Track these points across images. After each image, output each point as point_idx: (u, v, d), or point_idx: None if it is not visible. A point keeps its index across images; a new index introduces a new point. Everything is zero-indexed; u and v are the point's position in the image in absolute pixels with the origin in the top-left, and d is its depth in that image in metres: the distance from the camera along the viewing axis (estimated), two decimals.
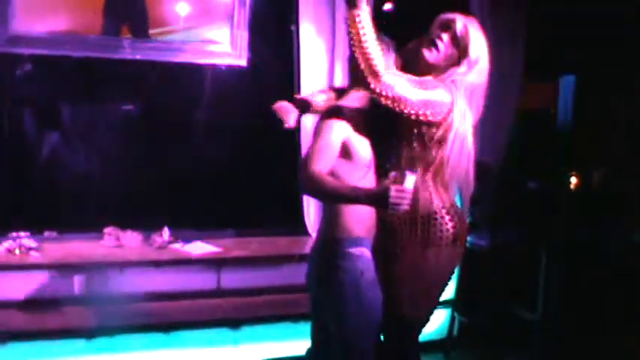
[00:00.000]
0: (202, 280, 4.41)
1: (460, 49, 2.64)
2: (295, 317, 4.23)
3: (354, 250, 2.62)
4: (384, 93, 2.48)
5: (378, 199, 2.42)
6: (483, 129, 4.92)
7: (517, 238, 4.70)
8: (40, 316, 3.97)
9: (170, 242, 4.64)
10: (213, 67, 5.01)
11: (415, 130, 2.61)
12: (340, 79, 4.54)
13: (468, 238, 4.51)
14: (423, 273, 2.71)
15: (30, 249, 4.29)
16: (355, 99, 2.71)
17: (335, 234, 2.64)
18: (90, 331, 3.92)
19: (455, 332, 4.72)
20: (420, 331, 2.89)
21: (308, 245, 4.71)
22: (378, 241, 2.69)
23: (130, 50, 4.74)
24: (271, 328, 4.23)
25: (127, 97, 5.03)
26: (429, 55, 2.65)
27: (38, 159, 4.80)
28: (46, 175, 4.78)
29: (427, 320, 2.88)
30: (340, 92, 2.91)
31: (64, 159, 4.78)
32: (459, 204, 2.83)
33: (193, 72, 5.00)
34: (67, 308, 4.08)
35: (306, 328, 4.16)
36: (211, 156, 4.95)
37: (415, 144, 2.63)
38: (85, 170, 4.74)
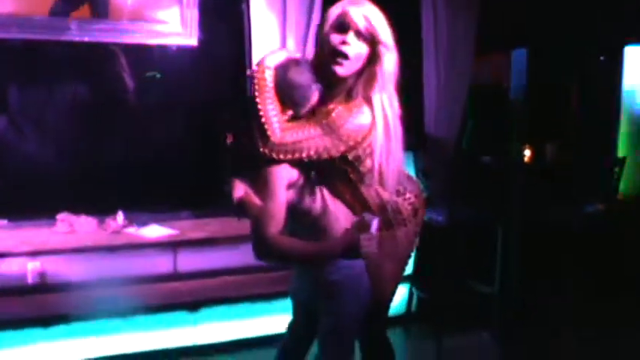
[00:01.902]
0: (159, 264, 4.38)
1: (369, 41, 2.41)
2: (253, 298, 4.24)
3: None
4: (275, 155, 2.37)
5: (350, 251, 2.45)
6: (438, 104, 4.96)
7: (473, 212, 4.73)
8: None
9: (125, 226, 4.58)
10: (164, 47, 4.93)
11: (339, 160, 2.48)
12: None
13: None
14: (397, 253, 2.71)
15: None
16: None
17: None
18: (46, 319, 3.88)
19: (413, 308, 4.75)
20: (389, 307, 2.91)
21: None
22: None
23: (77, 32, 4.63)
24: (230, 310, 4.21)
25: (76, 80, 4.94)
26: (341, 69, 2.41)
27: None
28: None
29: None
30: None
31: (11, 145, 4.69)
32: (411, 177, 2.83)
33: (143, 53, 4.92)
34: (21, 297, 4.03)
35: (264, 307, 4.20)
36: (164, 137, 4.90)
37: (344, 168, 2.51)
38: (34, 156, 4.66)
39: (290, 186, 2.46)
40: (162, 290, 4.26)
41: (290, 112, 2.45)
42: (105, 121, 4.89)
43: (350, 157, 2.45)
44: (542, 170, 5.45)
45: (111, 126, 4.87)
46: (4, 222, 4.59)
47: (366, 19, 2.38)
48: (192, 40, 4.85)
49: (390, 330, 3.01)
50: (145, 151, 4.88)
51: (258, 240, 2.42)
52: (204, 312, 4.17)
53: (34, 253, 4.12)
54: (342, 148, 2.40)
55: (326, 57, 2.43)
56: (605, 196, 5.16)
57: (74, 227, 4.50)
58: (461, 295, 4.69)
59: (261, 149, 2.36)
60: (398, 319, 4.68)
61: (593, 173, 5.30)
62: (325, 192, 2.54)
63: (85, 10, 4.71)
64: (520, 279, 4.68)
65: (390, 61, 2.44)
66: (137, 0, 4.81)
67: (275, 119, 2.36)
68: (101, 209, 4.63)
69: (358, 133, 2.40)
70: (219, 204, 4.91)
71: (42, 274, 4.12)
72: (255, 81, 2.39)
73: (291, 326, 2.94)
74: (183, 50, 4.92)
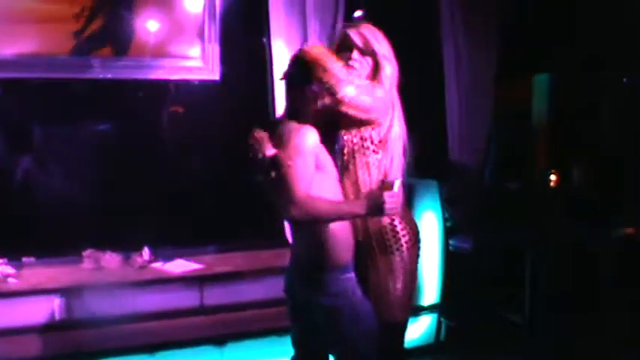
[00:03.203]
0: (185, 298, 4.36)
1: (370, 54, 2.81)
2: (280, 331, 4.19)
3: (344, 276, 2.71)
4: (348, 102, 2.66)
5: (373, 208, 2.58)
6: (461, 132, 4.95)
7: (500, 239, 4.69)
8: (21, 343, 3.90)
9: (151, 261, 4.60)
10: (186, 82, 4.97)
11: (361, 136, 2.79)
12: None
13: (451, 242, 4.57)
14: (397, 276, 2.87)
15: (8, 276, 4.22)
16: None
17: (324, 264, 2.68)
18: (73, 356, 3.89)
19: (442, 336, 4.71)
20: (405, 330, 3.04)
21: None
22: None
23: (100, 69, 4.69)
24: (257, 343, 4.19)
25: (100, 116, 4.99)
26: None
27: (12, 184, 4.74)
28: (21, 200, 4.71)
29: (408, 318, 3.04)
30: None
31: (38, 183, 4.72)
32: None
33: (166, 89, 4.96)
34: (48, 334, 4.01)
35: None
36: (188, 172, 4.92)
37: (362, 148, 2.81)
38: (60, 193, 4.68)
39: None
40: (188, 325, 4.25)
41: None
42: (129, 156, 4.91)
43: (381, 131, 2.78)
44: (568, 194, 5.40)
45: (135, 162, 4.89)
46: (32, 259, 4.62)
47: (364, 37, 2.80)
48: (214, 75, 4.90)
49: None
50: (169, 187, 4.89)
51: (291, 200, 2.52)
52: (231, 346, 4.15)
53: (61, 290, 4.12)
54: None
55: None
56: (635, 220, 5.08)
57: (100, 263, 4.52)
58: (489, 324, 4.64)
59: (337, 101, 2.65)
60: (426, 349, 4.64)
61: (621, 196, 5.24)
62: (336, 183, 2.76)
63: (107, 49, 4.79)
64: (549, 306, 4.61)
65: (389, 67, 2.82)
66: (159, 36, 4.87)
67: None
68: (127, 245, 4.65)
69: (387, 107, 2.79)
70: (243, 237, 4.94)
71: (69, 311, 4.11)
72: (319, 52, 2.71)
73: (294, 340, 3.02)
74: (205, 85, 4.96)
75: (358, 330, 2.71)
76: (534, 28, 5.39)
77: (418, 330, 4.69)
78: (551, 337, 4.57)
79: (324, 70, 2.63)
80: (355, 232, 2.78)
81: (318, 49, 2.74)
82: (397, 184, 2.61)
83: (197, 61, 4.89)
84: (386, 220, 2.80)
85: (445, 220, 4.62)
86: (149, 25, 4.84)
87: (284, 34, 4.54)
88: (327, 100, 2.64)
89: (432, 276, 4.74)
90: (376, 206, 2.57)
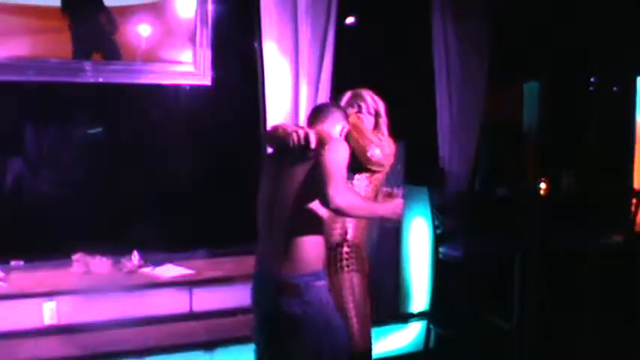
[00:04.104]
0: (175, 303, 4.36)
1: (375, 114, 3.23)
2: None
3: (317, 283, 2.71)
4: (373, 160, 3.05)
5: (393, 211, 2.82)
6: (451, 140, 4.96)
7: (490, 246, 4.70)
8: (10, 348, 3.88)
9: (140, 266, 4.59)
10: (178, 87, 4.96)
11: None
12: (305, 98, 4.50)
13: (441, 249, 4.57)
14: (342, 295, 2.99)
15: None
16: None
17: (299, 270, 2.68)
18: None
19: (431, 344, 4.71)
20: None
21: None
22: None
23: (92, 73, 4.67)
24: (246, 349, 4.17)
25: (90, 120, 4.98)
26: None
27: (1, 187, 4.72)
28: (10, 203, 4.70)
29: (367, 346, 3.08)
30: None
31: (28, 186, 4.71)
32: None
33: (157, 93, 4.94)
34: (37, 338, 4.00)
35: None
36: (179, 177, 4.91)
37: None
38: (50, 196, 4.67)
39: None
40: (178, 330, 4.24)
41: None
42: (120, 161, 4.91)
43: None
44: (558, 202, 5.41)
45: (125, 166, 4.89)
46: (20, 263, 4.60)
47: (373, 99, 3.24)
48: (205, 80, 4.89)
49: None
50: (160, 191, 4.88)
51: (336, 189, 2.57)
52: (220, 351, 4.14)
53: (49, 294, 4.11)
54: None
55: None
56: (624, 228, 5.10)
57: (90, 267, 4.50)
58: (479, 331, 4.64)
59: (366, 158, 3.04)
60: (416, 356, 4.64)
61: (610, 204, 5.26)
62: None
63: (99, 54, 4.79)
64: (539, 313, 4.62)
65: (384, 126, 3.24)
66: (151, 41, 4.86)
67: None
68: (116, 249, 4.64)
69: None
70: (234, 243, 4.93)
71: (58, 315, 4.10)
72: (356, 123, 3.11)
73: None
74: (197, 90, 4.96)
75: (325, 343, 2.68)
76: (525, 36, 5.42)
77: (408, 337, 4.70)
78: (541, 343, 4.58)
79: (360, 134, 3.03)
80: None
81: (356, 120, 3.10)
82: (401, 192, 2.88)
83: (189, 66, 4.88)
84: (337, 241, 3.02)
85: (435, 227, 4.62)
86: (141, 30, 4.83)
87: (276, 39, 4.52)
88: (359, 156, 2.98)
89: (421, 283, 4.75)
90: (395, 211, 2.80)
